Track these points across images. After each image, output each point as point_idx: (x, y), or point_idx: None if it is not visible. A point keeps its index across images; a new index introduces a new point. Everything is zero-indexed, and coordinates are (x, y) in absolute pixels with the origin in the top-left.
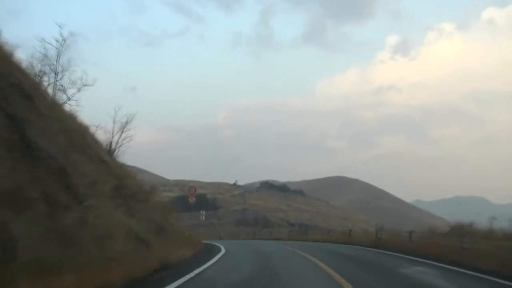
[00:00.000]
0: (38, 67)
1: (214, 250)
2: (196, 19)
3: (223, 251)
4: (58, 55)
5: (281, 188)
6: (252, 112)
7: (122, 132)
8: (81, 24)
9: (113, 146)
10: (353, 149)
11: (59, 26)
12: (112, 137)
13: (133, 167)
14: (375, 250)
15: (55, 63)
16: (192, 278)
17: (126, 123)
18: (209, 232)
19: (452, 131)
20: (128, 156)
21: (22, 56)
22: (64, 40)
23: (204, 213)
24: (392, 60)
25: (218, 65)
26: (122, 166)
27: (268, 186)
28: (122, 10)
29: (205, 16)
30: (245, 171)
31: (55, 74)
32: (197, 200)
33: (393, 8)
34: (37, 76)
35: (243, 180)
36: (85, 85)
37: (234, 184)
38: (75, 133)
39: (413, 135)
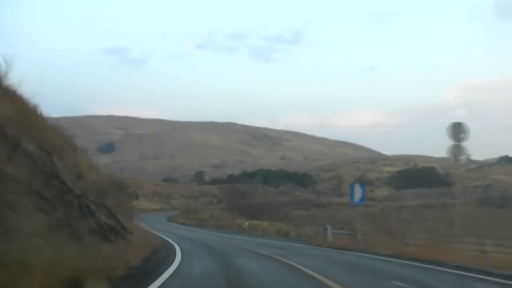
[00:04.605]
0: None
1: None
2: None
3: None
4: None
5: None
6: (485, 90)
7: None
8: (315, 9)
9: None
10: None
11: None
12: None
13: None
14: None
15: None
16: None
17: None
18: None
19: None
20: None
21: None
22: None
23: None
24: None
25: (450, 41)
26: None
27: (508, 160)
28: None
29: None
30: (478, 148)
31: None
32: (423, 174)
33: None
34: None
35: (477, 156)
36: None
37: (467, 159)
38: None
39: None
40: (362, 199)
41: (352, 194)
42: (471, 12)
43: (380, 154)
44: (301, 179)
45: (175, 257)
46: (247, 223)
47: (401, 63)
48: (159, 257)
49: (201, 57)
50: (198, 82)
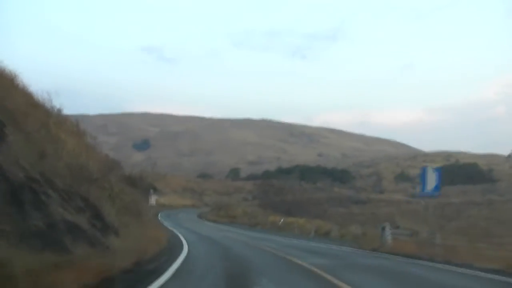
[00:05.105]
0: None
1: None
2: None
3: None
4: None
5: None
6: None
7: None
8: (352, 6)
9: None
10: None
11: None
12: None
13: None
14: None
15: None
16: None
17: None
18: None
19: None
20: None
21: None
22: None
23: None
24: None
25: (489, 37)
26: None
27: None
28: None
29: None
30: None
31: None
32: (465, 170)
33: None
34: None
35: None
36: None
37: (510, 156)
38: None
39: None
40: (437, 187)
41: (423, 182)
42: (510, 8)
43: (418, 150)
44: (339, 175)
45: (160, 276)
46: (282, 220)
47: (440, 60)
48: (135, 274)
49: (237, 55)
50: (234, 79)
